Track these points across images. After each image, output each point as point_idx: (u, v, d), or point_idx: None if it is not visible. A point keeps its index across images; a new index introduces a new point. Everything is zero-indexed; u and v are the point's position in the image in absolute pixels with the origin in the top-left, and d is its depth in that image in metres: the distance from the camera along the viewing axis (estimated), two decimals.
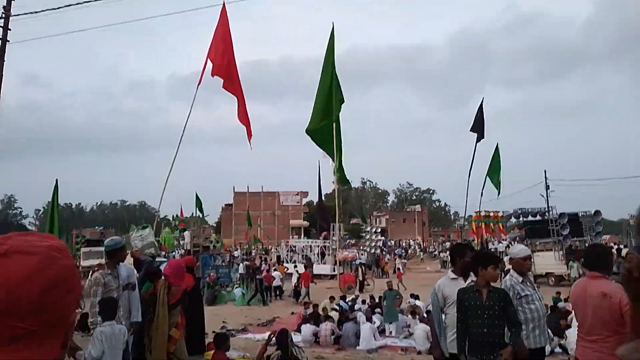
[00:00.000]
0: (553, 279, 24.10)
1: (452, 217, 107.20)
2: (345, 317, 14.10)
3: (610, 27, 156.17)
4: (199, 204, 36.56)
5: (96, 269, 5.32)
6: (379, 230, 41.35)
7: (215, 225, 72.90)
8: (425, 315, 14.06)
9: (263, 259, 33.17)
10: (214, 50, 12.78)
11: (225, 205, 76.29)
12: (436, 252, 47.21)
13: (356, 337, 13.08)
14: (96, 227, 57.59)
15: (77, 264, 33.52)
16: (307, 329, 13.23)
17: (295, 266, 26.78)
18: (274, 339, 5.58)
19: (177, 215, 33.07)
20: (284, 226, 72.63)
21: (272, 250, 50.52)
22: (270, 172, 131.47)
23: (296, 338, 13.63)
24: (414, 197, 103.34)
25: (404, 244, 56.58)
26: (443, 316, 4.56)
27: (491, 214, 56.68)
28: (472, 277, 4.45)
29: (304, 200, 77.07)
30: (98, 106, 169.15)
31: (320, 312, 15.21)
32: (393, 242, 57.13)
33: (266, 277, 21.83)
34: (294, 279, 22.86)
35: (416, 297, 16.69)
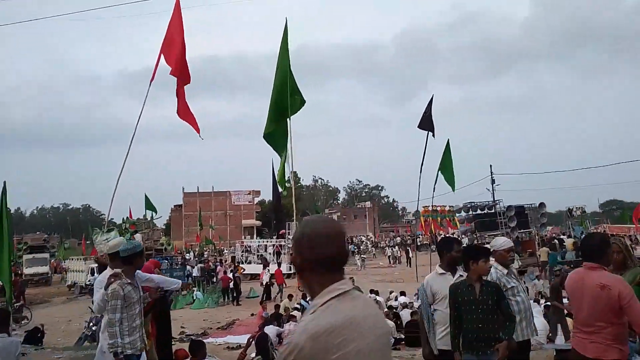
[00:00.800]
0: None
1: (400, 212, 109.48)
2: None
3: (548, 26, 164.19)
4: (149, 205, 35.39)
5: (112, 280, 4.64)
6: None
7: (164, 227, 70.90)
8: (386, 310, 14.19)
9: (218, 260, 32.52)
10: (167, 45, 12.33)
11: (175, 206, 74.42)
12: (386, 248, 47.76)
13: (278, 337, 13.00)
14: (37, 232, 54.74)
15: (20, 272, 31.77)
16: (271, 330, 12.98)
17: (266, 265, 26.60)
18: (253, 343, 5.36)
19: (127, 218, 31.79)
20: (236, 226, 71.61)
21: (226, 251, 49.68)
22: (221, 171, 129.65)
23: None
24: (364, 194, 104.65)
25: (356, 240, 57.08)
26: (432, 312, 4.49)
27: (439, 209, 58.38)
28: (460, 272, 4.42)
29: (256, 199, 76.28)
30: (39, 101, 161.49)
31: (282, 312, 15.03)
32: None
33: (223, 279, 21.38)
34: (266, 278, 22.83)
35: (376, 293, 16.81)
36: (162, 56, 12.35)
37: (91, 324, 12.84)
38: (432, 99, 23.11)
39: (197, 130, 12.63)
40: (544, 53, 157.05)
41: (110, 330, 4.54)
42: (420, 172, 23.05)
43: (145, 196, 36.19)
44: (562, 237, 27.90)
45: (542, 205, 25.85)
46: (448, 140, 22.40)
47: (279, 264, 28.59)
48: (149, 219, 35.12)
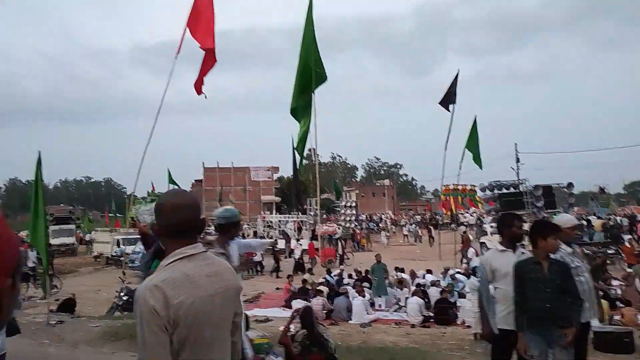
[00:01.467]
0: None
1: (419, 190, 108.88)
2: (335, 292, 13.99)
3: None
4: (171, 180, 35.72)
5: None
6: (353, 204, 41.36)
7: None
8: (415, 287, 14.10)
9: (240, 234, 32.74)
10: (194, 18, 12.13)
11: (195, 181, 75.03)
12: (405, 226, 47.31)
13: (347, 311, 13.01)
14: (61, 205, 55.65)
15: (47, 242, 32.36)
16: (298, 304, 13.04)
17: (299, 239, 27.13)
18: (297, 317, 5.29)
19: (150, 192, 32.21)
20: (255, 202, 71.97)
21: (246, 226, 49.99)
22: (240, 146, 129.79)
23: (287, 313, 13.52)
24: (382, 172, 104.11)
25: (375, 218, 56.96)
26: (492, 290, 4.32)
27: (459, 187, 57.76)
28: (521, 249, 4.24)
29: (275, 176, 76.41)
30: (56, 76, 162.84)
31: (309, 287, 15.05)
32: (364, 216, 57.43)
33: (248, 253, 21.46)
34: (298, 253, 23.30)
35: (401, 270, 16.71)
36: (187, 30, 12.21)
37: (122, 293, 13.02)
38: (457, 74, 22.68)
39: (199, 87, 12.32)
40: (562, 25, 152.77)
41: None
42: (445, 149, 22.71)
43: (168, 171, 36.56)
44: (590, 217, 27.34)
45: (570, 185, 25.32)
46: (475, 117, 21.96)
47: (299, 239, 28.64)
48: None
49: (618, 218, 27.91)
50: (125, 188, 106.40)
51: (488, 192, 27.66)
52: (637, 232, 24.60)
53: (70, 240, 33.40)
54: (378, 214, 62.00)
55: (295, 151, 17.71)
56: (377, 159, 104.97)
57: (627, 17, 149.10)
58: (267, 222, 34.97)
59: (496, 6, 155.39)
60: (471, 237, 28.54)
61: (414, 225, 46.00)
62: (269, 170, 75.92)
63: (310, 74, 14.78)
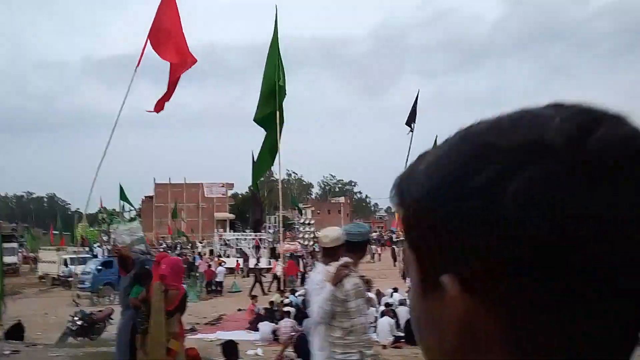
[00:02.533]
0: None
1: (373, 208, 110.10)
2: (303, 313, 13.58)
3: (516, 23, 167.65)
4: (123, 196, 34.35)
5: (344, 272, 3.39)
6: (311, 222, 41.16)
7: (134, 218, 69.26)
8: (384, 307, 13.90)
9: (197, 253, 31.76)
10: (155, 31, 11.76)
11: (146, 197, 72.73)
12: None
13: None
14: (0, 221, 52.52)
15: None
16: (266, 326, 12.58)
17: (246, 259, 27.05)
18: (289, 345, 4.91)
19: (104, 208, 30.83)
20: (208, 219, 70.50)
21: (199, 244, 48.66)
22: (193, 162, 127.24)
23: (253, 336, 13.01)
24: (337, 189, 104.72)
25: None
26: None
27: None
28: None
29: (230, 192, 75.27)
30: (3, 87, 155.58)
31: (275, 308, 14.58)
32: (313, 234, 57.28)
33: (207, 273, 20.75)
34: (279, 269, 22.31)
35: (367, 290, 16.48)
36: (147, 42, 11.78)
37: (76, 317, 12.18)
38: (417, 94, 23.16)
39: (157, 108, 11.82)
40: (513, 50, 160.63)
41: (348, 340, 3.38)
42: (405, 168, 22.92)
43: (120, 187, 35.13)
44: None
45: None
46: (436, 137, 22.28)
47: (258, 259, 28.07)
48: (126, 210, 34.17)
49: None
50: (69, 204, 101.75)
51: None
52: None
53: (12, 259, 31.34)
54: None
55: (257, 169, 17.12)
56: (332, 176, 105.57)
57: (575, 43, 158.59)
58: (224, 240, 34.11)
59: (450, 30, 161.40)
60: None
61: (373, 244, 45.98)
62: (223, 186, 74.72)
63: (274, 86, 14.39)
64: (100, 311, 13.09)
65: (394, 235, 50.88)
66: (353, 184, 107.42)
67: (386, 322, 12.13)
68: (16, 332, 11.23)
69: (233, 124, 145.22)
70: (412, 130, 22.58)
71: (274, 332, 12.44)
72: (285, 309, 14.08)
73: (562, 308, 0.35)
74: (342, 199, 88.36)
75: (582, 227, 0.34)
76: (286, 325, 12.62)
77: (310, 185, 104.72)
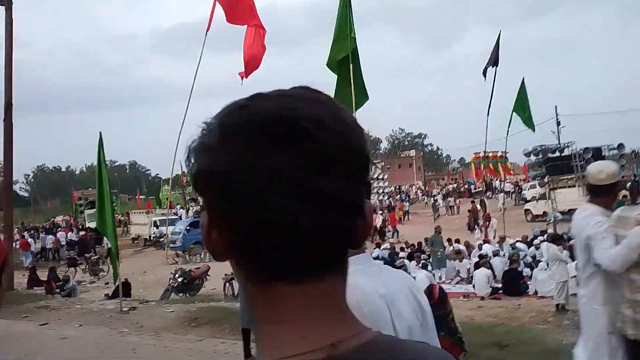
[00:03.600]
0: None
1: (445, 160, 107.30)
2: (394, 267, 13.47)
3: None
4: None
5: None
6: (385, 176, 40.71)
7: None
8: (478, 259, 13.47)
9: None
10: None
11: None
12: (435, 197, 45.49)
13: None
14: (89, 188, 56.25)
15: (82, 225, 32.52)
16: None
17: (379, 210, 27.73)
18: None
19: (183, 172, 31.99)
20: None
21: None
22: None
23: None
24: (407, 143, 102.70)
25: (405, 189, 56.13)
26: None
27: (490, 155, 56.39)
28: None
29: None
30: (77, 63, 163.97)
31: None
32: (392, 188, 56.64)
33: None
34: (379, 221, 23.54)
35: (456, 242, 16.09)
36: (216, 5, 11.53)
37: (176, 275, 12.72)
38: (499, 35, 21.65)
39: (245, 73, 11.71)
40: None
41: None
42: (488, 114, 21.81)
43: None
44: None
45: (620, 146, 24.17)
46: (523, 79, 20.92)
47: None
48: None
49: None
50: (149, 170, 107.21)
51: (533, 157, 26.61)
52: None
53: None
54: (406, 186, 61.14)
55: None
56: (402, 129, 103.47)
57: None
58: None
59: None
60: (479, 208, 27.64)
61: (446, 197, 44.47)
62: None
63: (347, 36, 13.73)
64: (197, 268, 13.60)
65: (472, 187, 49.44)
66: (423, 136, 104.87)
67: (483, 273, 11.72)
68: (125, 289, 11.92)
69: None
70: (495, 74, 21.27)
71: None
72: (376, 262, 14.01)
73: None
74: (412, 152, 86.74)
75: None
76: None
77: (378, 141, 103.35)
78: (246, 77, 11.55)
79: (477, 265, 12.57)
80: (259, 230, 0.49)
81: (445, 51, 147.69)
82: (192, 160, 0.52)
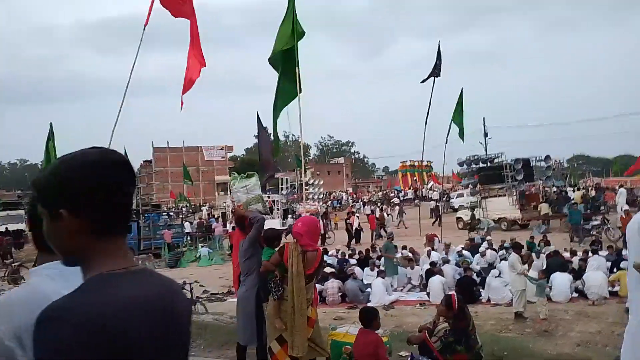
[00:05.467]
0: (505, 223, 24.74)
1: (370, 168, 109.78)
2: (344, 274, 13.21)
3: None
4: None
5: None
6: (320, 182, 40.68)
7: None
8: (429, 266, 13.50)
9: (211, 215, 31.26)
10: None
11: (144, 162, 71.61)
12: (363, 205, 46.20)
13: (360, 292, 12.30)
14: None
15: None
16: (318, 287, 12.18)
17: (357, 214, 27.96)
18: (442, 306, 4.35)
19: None
20: (209, 182, 69.92)
21: (203, 208, 48.13)
22: (191, 126, 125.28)
23: None
24: (335, 150, 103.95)
25: (336, 195, 56.48)
26: None
27: (415, 164, 58.19)
28: None
29: (229, 155, 74.42)
30: None
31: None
32: (322, 194, 56.84)
33: (231, 235, 20.22)
34: (356, 224, 24.24)
35: (403, 248, 16.13)
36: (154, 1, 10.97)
37: None
38: (439, 45, 22.25)
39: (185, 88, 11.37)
40: (509, 5, 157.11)
41: None
42: (425, 124, 22.35)
43: (125, 151, 34.30)
44: (567, 189, 27.91)
45: (547, 157, 25.60)
46: (462, 90, 21.55)
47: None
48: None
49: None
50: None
51: (465, 167, 27.57)
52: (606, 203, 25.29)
53: (20, 226, 30.62)
54: (336, 192, 61.58)
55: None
56: (330, 137, 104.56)
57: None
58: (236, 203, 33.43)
59: None
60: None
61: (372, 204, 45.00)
62: (222, 149, 73.73)
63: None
64: None
65: (400, 194, 50.60)
66: (351, 144, 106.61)
67: (438, 281, 11.73)
68: None
69: (230, 87, 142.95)
70: (433, 84, 21.80)
71: (320, 292, 12.04)
72: (327, 269, 13.67)
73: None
74: (341, 160, 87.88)
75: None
76: (333, 285, 12.25)
77: (308, 147, 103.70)
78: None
79: (429, 273, 12.59)
80: (117, 208, 1.10)
81: (374, 59, 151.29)
82: (71, 178, 1.08)
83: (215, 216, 29.70)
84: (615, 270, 11.62)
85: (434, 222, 26.83)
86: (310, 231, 4.14)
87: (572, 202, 22.75)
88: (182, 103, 11.30)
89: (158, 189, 63.59)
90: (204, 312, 9.63)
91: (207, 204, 56.31)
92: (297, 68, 12.29)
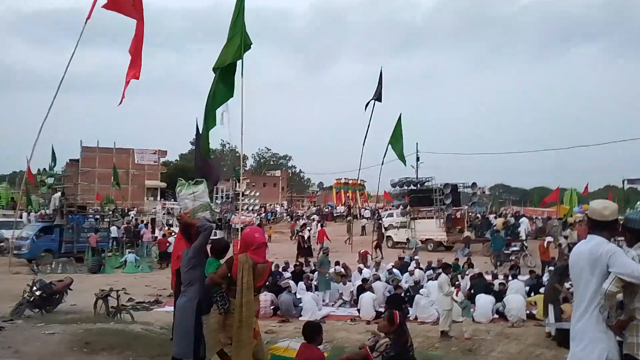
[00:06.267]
0: (432, 244, 25.71)
1: (306, 182, 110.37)
2: (278, 287, 13.17)
3: (450, 11, 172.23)
4: (54, 157, 31.95)
5: None
6: (257, 194, 40.41)
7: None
8: (361, 282, 13.74)
9: (140, 221, 30.10)
10: None
11: (70, 160, 67.90)
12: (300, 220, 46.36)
13: (294, 306, 12.32)
14: None
15: None
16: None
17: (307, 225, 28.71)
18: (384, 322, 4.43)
19: (44, 170, 28.31)
20: (139, 186, 67.41)
21: (131, 212, 46.23)
22: (123, 128, 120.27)
23: None
24: (272, 163, 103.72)
25: (269, 208, 56.26)
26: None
27: (350, 182, 59.19)
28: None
29: (162, 160, 72.24)
30: None
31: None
32: (258, 206, 56.45)
33: (160, 242, 19.63)
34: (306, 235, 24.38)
35: (337, 263, 16.34)
36: None
37: (34, 287, 10.98)
38: (381, 70, 23.07)
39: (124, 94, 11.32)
40: (447, 36, 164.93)
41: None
42: (363, 144, 22.96)
43: (52, 149, 32.60)
44: (489, 216, 29.42)
45: (474, 184, 26.95)
46: (400, 114, 22.33)
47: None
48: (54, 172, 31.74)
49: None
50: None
51: (398, 188, 28.43)
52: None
53: None
54: (272, 205, 61.35)
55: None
56: (268, 149, 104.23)
57: (503, 35, 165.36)
58: (168, 209, 32.48)
59: (389, 13, 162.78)
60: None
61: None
62: (155, 153, 71.48)
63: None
64: (60, 281, 11.89)
65: (334, 210, 51.19)
66: (288, 157, 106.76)
67: (369, 297, 11.99)
68: None
69: (167, 91, 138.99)
70: (373, 107, 22.48)
71: None
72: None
73: None
74: (278, 172, 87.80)
75: None
76: (265, 298, 12.15)
77: (244, 157, 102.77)
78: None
79: (361, 289, 12.83)
80: None
81: (315, 75, 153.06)
82: None
83: (145, 222, 28.64)
84: (533, 294, 12.39)
85: (376, 241, 27.40)
86: (260, 244, 4.15)
87: (494, 228, 24.06)
88: (122, 97, 11.02)
89: (84, 190, 60.46)
90: (130, 321, 9.28)
91: (135, 209, 54.27)
92: (241, 78, 12.22)
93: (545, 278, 13.56)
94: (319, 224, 31.00)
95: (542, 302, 10.41)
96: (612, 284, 2.95)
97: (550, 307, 9.79)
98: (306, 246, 22.89)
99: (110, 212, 39.16)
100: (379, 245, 24.04)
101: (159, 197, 63.05)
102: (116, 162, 67.54)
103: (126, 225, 26.01)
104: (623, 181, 24.80)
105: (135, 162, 69.56)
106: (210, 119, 10.69)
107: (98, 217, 24.47)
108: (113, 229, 24.22)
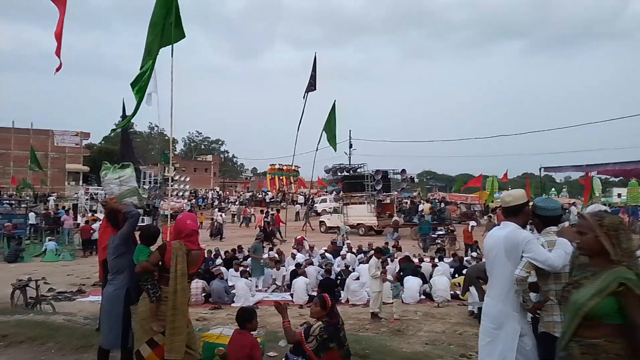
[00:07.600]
0: (363, 229, 26.31)
1: (239, 168, 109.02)
2: (210, 274, 12.97)
3: (384, 5, 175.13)
4: None
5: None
6: (188, 179, 39.40)
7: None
8: (295, 267, 13.82)
9: (61, 207, 28.39)
10: None
11: None
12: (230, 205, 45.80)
13: (226, 293, 12.21)
14: None
15: None
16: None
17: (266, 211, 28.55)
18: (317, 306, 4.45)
19: None
20: (59, 170, 63.71)
21: (50, 198, 43.65)
22: (42, 108, 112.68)
23: None
24: (203, 147, 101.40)
25: (201, 194, 55.15)
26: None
27: (284, 168, 59.20)
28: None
29: (84, 142, 68.61)
30: None
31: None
32: (188, 192, 55.12)
33: (84, 230, 18.67)
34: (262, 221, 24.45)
35: (270, 249, 16.33)
36: None
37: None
38: (315, 58, 23.18)
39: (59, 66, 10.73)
40: (380, 30, 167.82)
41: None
42: (298, 130, 23.02)
43: None
44: (416, 201, 30.42)
45: (403, 171, 27.74)
46: (334, 101, 22.51)
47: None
48: None
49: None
50: None
51: (331, 174, 28.73)
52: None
53: None
54: (204, 190, 60.12)
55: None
56: (199, 133, 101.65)
57: (433, 31, 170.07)
58: (92, 195, 30.89)
59: (323, 3, 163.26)
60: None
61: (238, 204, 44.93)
62: (77, 135, 67.66)
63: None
64: None
65: (267, 196, 50.96)
66: (220, 142, 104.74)
67: (302, 282, 12.09)
68: None
69: (90, 71, 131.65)
70: (306, 95, 22.67)
71: None
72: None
73: None
74: (209, 157, 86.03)
75: None
76: (197, 286, 11.95)
77: (174, 141, 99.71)
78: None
79: (294, 274, 12.91)
80: None
81: (249, 61, 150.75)
82: None
83: (66, 208, 27.12)
84: (457, 275, 13.01)
85: (304, 226, 27.53)
86: (194, 231, 4.05)
87: (422, 213, 24.97)
88: (60, 65, 10.28)
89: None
90: (52, 312, 8.81)
91: (55, 194, 51.35)
92: (171, 58, 11.69)
93: (466, 259, 14.31)
94: (275, 211, 30.92)
95: (463, 283, 10.97)
96: (522, 270, 3.19)
97: (472, 288, 10.35)
98: (268, 230, 23.13)
99: (28, 198, 36.83)
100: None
101: (81, 182, 59.90)
102: (34, 144, 63.46)
103: (45, 211, 24.52)
104: (540, 169, 26.45)
105: (55, 144, 65.61)
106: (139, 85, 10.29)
107: (14, 202, 22.89)
108: (31, 215, 22.79)
